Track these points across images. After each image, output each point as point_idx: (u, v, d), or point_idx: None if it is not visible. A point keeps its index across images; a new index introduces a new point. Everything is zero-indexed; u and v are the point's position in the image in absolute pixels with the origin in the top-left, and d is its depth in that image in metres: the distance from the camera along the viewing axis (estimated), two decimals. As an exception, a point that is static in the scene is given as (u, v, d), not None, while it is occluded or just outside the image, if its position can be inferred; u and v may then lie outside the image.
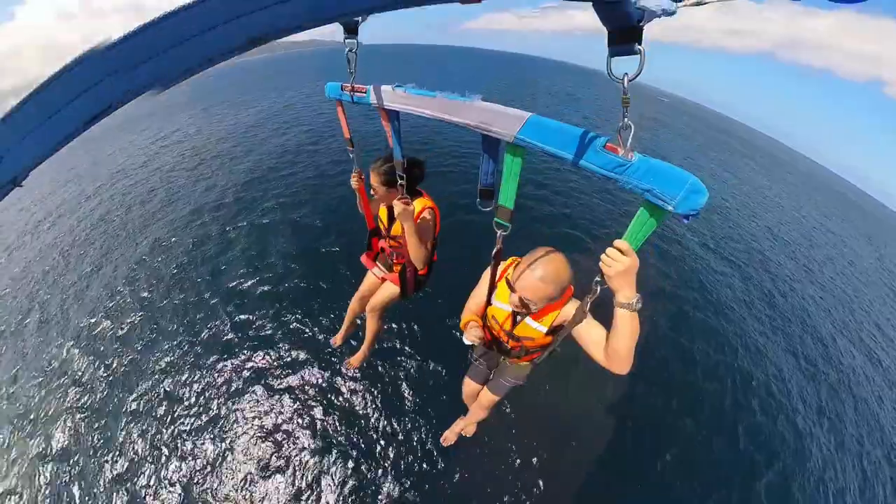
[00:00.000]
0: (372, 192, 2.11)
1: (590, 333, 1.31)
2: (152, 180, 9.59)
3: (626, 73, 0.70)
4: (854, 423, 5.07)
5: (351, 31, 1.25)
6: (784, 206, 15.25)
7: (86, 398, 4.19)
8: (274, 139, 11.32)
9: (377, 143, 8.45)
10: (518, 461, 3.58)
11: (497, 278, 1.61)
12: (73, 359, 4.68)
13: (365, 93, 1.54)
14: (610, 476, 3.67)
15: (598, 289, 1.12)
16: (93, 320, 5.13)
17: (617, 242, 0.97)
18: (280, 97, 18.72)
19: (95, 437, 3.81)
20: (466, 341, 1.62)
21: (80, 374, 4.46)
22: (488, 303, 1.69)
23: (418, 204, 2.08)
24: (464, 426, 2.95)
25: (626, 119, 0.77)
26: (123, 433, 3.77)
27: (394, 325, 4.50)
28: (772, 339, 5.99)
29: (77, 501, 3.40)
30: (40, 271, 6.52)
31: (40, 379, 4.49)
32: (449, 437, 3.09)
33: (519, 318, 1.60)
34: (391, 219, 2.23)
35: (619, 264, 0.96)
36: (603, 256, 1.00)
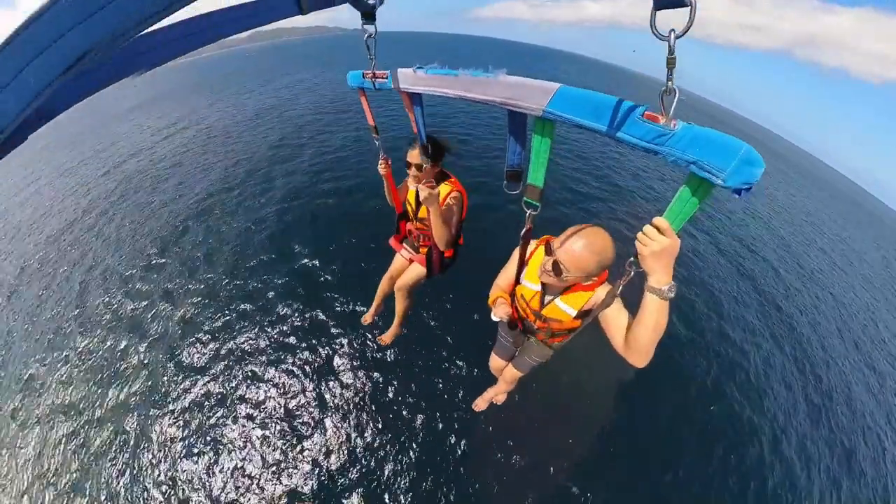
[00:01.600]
0: (415, 171, 2.03)
1: (617, 318, 1.21)
2: (174, 158, 9.92)
3: (673, 30, 0.60)
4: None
5: (368, 15, 1.19)
6: (794, 209, 14.22)
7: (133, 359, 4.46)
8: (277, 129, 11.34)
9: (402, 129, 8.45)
10: (546, 432, 3.60)
11: (527, 257, 1.55)
12: (122, 309, 5.05)
13: (386, 78, 1.48)
14: (632, 453, 3.65)
15: (632, 271, 1.01)
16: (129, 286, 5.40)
17: (656, 220, 0.87)
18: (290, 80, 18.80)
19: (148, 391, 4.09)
20: (494, 317, 1.59)
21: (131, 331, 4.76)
22: (517, 281, 1.64)
23: (444, 188, 2.05)
24: (493, 395, 3.01)
25: (670, 83, 0.67)
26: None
27: (426, 300, 4.54)
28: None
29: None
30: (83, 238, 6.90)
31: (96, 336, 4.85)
32: (480, 403, 3.17)
33: (548, 298, 1.52)
34: (419, 202, 2.22)
35: (655, 244, 0.87)
36: (639, 234, 0.90)
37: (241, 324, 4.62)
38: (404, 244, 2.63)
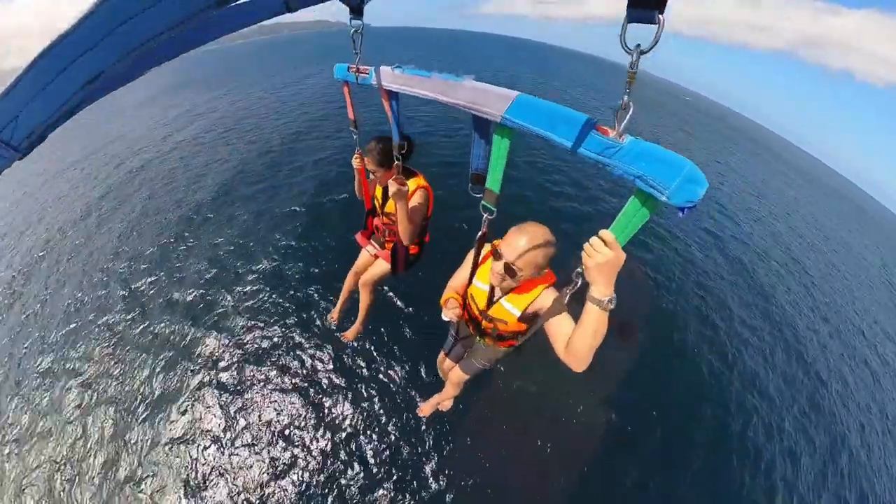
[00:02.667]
0: (371, 175, 2.11)
1: (560, 325, 1.24)
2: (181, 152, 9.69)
3: (639, 45, 0.61)
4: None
5: (356, 11, 1.22)
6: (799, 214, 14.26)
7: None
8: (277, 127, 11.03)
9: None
10: (494, 443, 3.45)
11: (480, 260, 1.56)
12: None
13: (368, 74, 1.49)
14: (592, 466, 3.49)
15: (580, 280, 1.02)
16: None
17: (602, 232, 0.87)
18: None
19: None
20: (444, 317, 1.63)
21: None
22: (469, 282, 1.66)
23: (412, 184, 2.07)
24: (439, 401, 3.00)
25: (626, 98, 0.67)
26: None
27: (393, 297, 4.48)
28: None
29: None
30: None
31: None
32: (424, 409, 3.14)
33: (495, 297, 1.56)
34: (385, 196, 2.25)
35: (600, 256, 0.88)
36: (585, 245, 0.91)
37: (194, 324, 4.45)
38: (371, 240, 2.63)
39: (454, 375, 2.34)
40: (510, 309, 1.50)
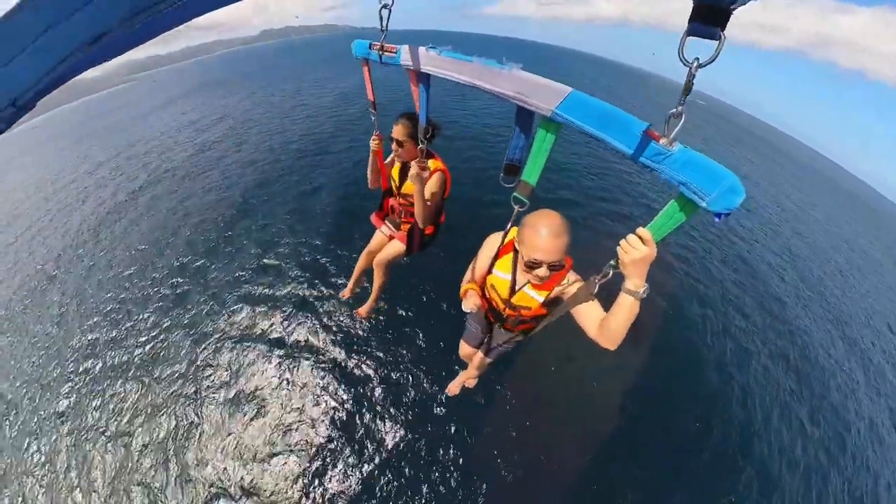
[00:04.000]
0: (395, 147, 2.06)
1: (589, 310, 1.28)
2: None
3: (698, 59, 0.63)
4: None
5: None
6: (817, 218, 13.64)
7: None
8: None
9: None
10: (517, 421, 3.54)
11: (499, 252, 1.57)
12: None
13: (395, 52, 1.42)
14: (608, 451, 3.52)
15: (611, 272, 1.08)
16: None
17: (640, 230, 0.93)
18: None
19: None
20: (465, 309, 1.64)
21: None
22: (489, 272, 1.66)
23: (430, 166, 2.04)
24: (465, 379, 3.07)
25: (680, 107, 0.70)
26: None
27: (407, 277, 4.53)
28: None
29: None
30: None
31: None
32: (452, 388, 3.21)
33: (517, 286, 1.56)
34: (403, 177, 2.21)
35: (636, 252, 0.93)
36: (623, 242, 0.96)
37: (219, 297, 4.62)
38: (386, 221, 2.63)
39: (477, 360, 2.41)
40: (534, 296, 1.52)
